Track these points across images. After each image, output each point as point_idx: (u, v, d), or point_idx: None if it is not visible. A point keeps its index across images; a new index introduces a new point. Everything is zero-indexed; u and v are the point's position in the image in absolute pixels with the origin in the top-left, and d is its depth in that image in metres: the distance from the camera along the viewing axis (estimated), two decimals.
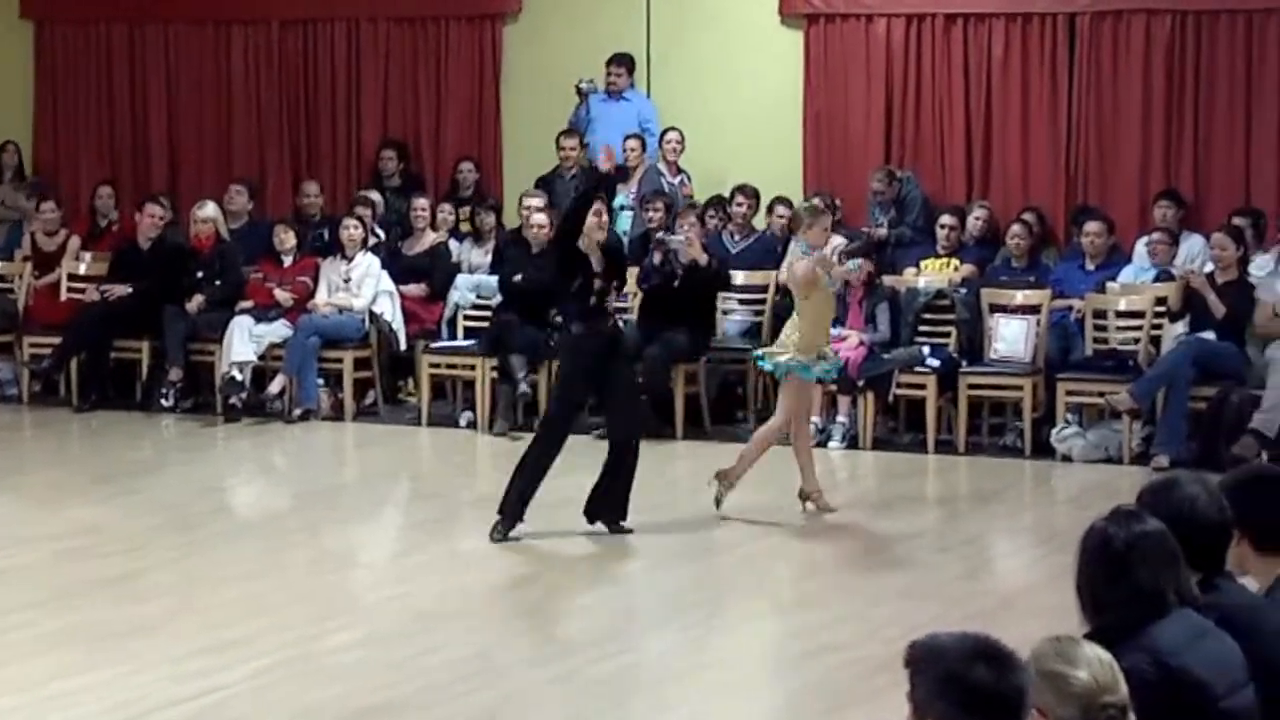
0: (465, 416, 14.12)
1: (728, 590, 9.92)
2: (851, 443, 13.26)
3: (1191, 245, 13.75)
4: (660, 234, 13.70)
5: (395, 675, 7.90)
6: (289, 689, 7.69)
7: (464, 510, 11.59)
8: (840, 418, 13.25)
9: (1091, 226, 13.74)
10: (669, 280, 10.54)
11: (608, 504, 10.46)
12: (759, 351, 11.36)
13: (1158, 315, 13.13)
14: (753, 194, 14.64)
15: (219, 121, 16.75)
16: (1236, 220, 13.36)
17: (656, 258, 11.65)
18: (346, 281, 14.52)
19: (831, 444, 13.14)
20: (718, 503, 10.86)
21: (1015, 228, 13.92)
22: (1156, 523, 4.70)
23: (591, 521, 10.50)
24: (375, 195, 15.50)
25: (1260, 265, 13.27)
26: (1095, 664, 4.00)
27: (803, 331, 10.80)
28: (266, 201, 16.20)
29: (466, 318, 14.57)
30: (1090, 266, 13.76)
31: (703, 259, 10.71)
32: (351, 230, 14.54)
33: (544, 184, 15.09)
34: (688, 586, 9.79)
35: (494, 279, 14.41)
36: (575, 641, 8.62)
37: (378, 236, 15.02)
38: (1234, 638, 4.71)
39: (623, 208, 14.99)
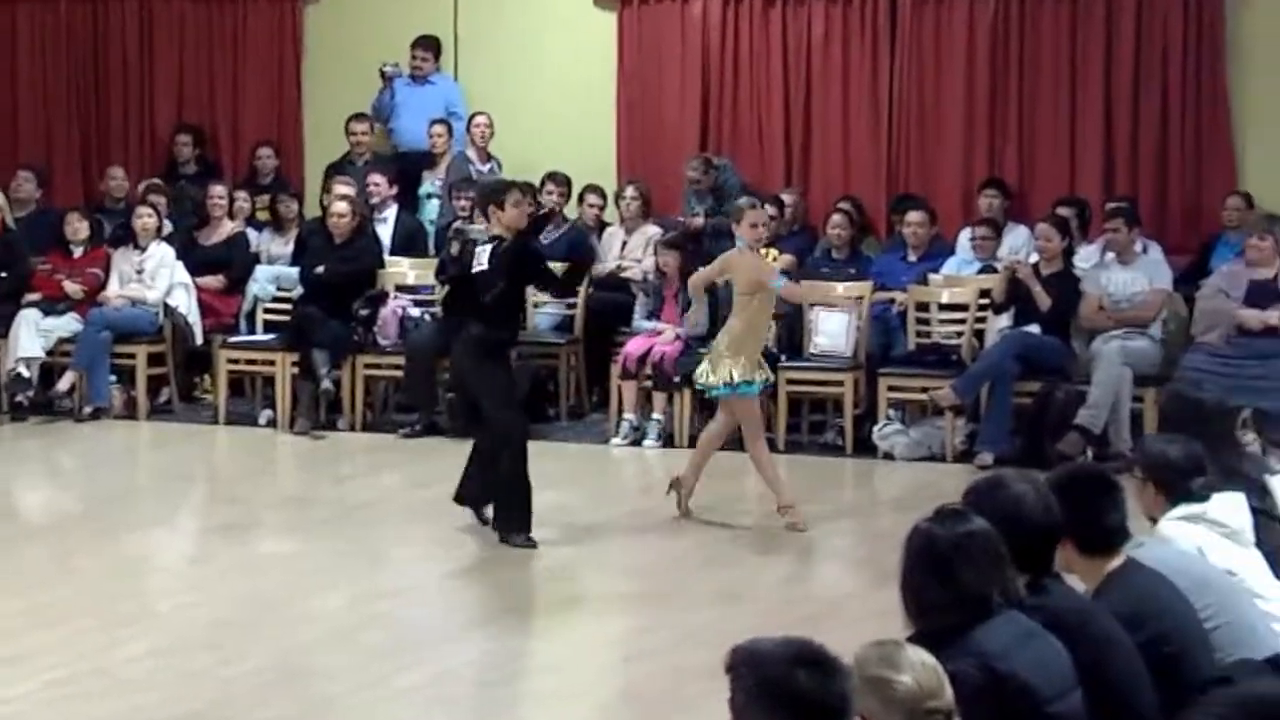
0: (265, 414, 13.85)
1: (540, 596, 9.80)
2: (667, 441, 13.02)
3: (1016, 236, 13.68)
4: (457, 224, 13.36)
5: (191, 686, 7.72)
6: (80, 702, 7.49)
7: (263, 513, 11.40)
8: (655, 415, 13.09)
9: (913, 216, 13.67)
10: (467, 271, 10.41)
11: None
12: (700, 381, 10.90)
13: (981, 308, 13.08)
14: (564, 181, 14.47)
15: (3, 104, 16.33)
16: (1061, 210, 13.31)
17: (455, 248, 11.42)
18: (139, 273, 14.21)
19: (646, 442, 13.00)
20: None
21: (835, 217, 13.75)
22: (982, 523, 4.71)
23: (463, 504, 10.41)
24: (158, 181, 15.15)
25: (1085, 256, 13.29)
26: (919, 668, 3.99)
27: (735, 335, 10.48)
28: (54, 189, 15.80)
29: (266, 311, 14.26)
30: (912, 258, 13.69)
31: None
32: (145, 219, 14.26)
33: (335, 170, 14.93)
34: (499, 592, 9.63)
35: (295, 270, 14.14)
36: (380, 650, 8.36)
37: (171, 225, 14.70)
38: (1062, 640, 4.72)
39: (430, 196, 14.74)
